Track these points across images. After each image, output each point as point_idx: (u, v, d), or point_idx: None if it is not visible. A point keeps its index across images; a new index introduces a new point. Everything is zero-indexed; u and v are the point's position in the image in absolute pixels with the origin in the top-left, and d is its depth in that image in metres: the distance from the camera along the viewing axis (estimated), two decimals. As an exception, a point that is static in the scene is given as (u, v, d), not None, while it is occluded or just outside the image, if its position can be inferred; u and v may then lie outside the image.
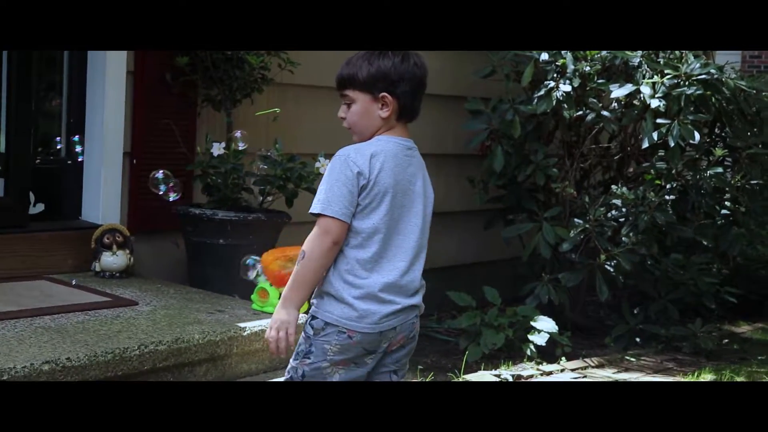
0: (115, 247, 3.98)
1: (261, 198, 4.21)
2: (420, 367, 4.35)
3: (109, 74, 4.16)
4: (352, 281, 2.40)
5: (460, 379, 4.13)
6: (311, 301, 2.48)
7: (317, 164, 4.25)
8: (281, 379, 2.52)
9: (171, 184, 3.80)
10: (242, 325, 3.42)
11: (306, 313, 2.54)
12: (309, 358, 2.44)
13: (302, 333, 2.47)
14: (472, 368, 4.30)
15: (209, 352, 3.27)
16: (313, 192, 4.14)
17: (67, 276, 3.94)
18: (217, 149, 4.09)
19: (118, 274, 3.98)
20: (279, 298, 2.47)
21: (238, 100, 4.32)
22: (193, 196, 4.35)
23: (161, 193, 3.84)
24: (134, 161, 4.22)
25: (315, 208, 2.39)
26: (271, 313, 2.47)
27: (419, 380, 4.12)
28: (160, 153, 4.24)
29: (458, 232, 5.70)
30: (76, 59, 4.23)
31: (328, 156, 4.29)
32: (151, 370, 3.10)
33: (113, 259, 3.97)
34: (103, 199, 4.17)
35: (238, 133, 4.11)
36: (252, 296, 3.67)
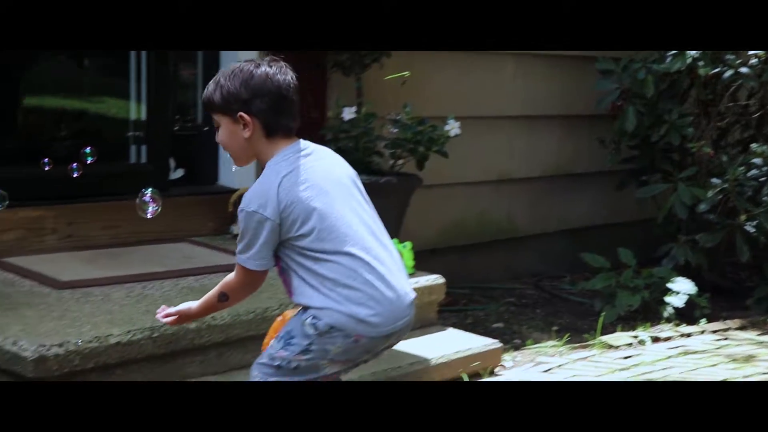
0: (251, 211, 4.07)
1: (392, 161, 4.23)
2: (555, 327, 4.32)
3: (242, 42, 4.24)
4: (355, 289, 2.24)
5: (596, 340, 4.07)
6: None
7: (447, 127, 4.27)
8: (263, 361, 2.35)
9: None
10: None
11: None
12: (307, 355, 2.29)
13: (299, 326, 2.30)
14: (608, 330, 4.24)
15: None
16: (444, 155, 4.20)
17: (208, 238, 4.06)
18: (348, 113, 4.13)
19: (255, 237, 4.07)
20: None
21: (367, 64, 4.34)
22: (325, 160, 4.40)
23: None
24: (267, 127, 4.29)
25: (239, 259, 2.32)
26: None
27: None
28: (293, 118, 4.30)
29: (589, 193, 5.60)
30: (210, 29, 4.32)
31: (458, 118, 4.35)
32: (292, 328, 3.15)
33: (250, 223, 4.07)
34: (238, 165, 4.27)
35: None
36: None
